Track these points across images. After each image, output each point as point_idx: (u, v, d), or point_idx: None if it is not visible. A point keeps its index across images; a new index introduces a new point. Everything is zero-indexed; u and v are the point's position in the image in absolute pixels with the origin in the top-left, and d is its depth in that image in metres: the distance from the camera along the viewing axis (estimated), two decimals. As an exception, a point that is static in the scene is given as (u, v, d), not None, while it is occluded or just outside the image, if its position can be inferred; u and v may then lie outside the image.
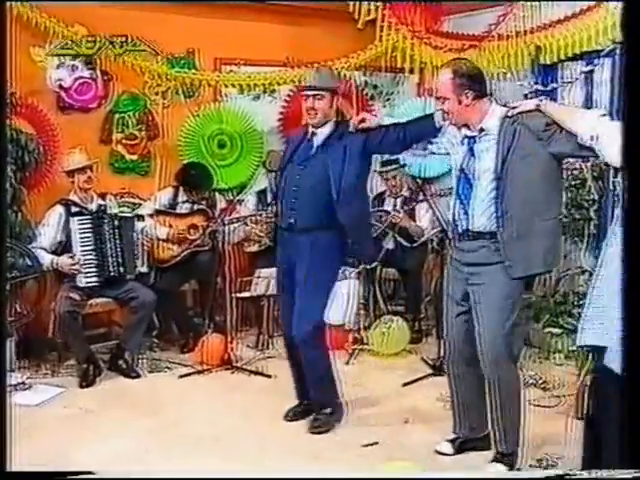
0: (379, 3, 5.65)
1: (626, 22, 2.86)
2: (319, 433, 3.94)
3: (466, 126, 3.41)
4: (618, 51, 5.03)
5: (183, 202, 5.54)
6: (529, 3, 5.24)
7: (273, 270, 4.35)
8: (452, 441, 3.69)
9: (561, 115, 3.25)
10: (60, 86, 5.42)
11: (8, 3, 3.93)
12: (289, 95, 6.24)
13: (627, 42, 2.86)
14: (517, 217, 3.27)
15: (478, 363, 3.44)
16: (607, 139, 3.02)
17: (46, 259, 4.82)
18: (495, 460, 3.48)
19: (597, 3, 4.84)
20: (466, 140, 3.42)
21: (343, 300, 5.30)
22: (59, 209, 4.91)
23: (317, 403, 4.05)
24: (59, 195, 5.00)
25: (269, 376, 4.81)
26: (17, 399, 4.32)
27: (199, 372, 4.91)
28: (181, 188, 5.55)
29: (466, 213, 3.40)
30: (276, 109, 6.28)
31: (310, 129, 3.91)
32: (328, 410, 4.02)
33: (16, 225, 4.89)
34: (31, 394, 4.52)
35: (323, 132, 3.87)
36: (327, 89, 3.84)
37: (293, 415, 4.12)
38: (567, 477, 2.35)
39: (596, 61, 5.37)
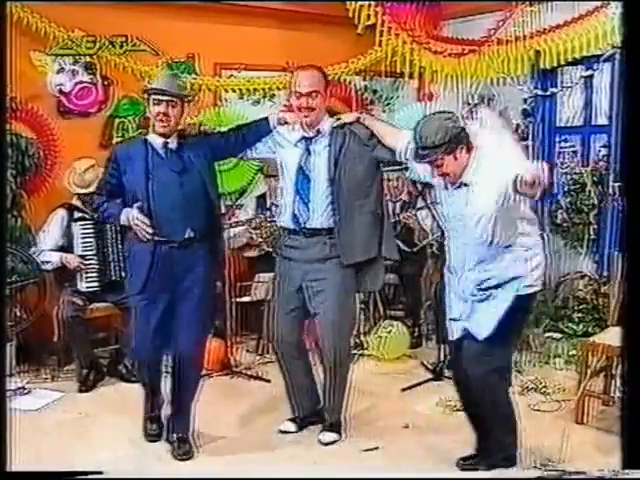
0: (379, 9, 5.66)
1: (625, 27, 2.88)
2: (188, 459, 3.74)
3: (303, 128, 3.76)
4: (617, 56, 5.04)
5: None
6: (529, 8, 5.25)
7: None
8: (293, 420, 4.06)
9: (379, 130, 3.74)
10: (60, 91, 5.41)
11: (8, 7, 3.93)
12: (289, 100, 6.24)
13: (626, 47, 2.87)
14: (345, 211, 3.70)
15: (307, 351, 4.01)
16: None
17: (54, 256, 4.83)
18: (324, 429, 3.92)
19: (596, 8, 4.85)
20: (303, 141, 3.78)
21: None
22: (61, 213, 4.91)
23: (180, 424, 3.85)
24: (59, 200, 5.00)
25: (269, 381, 4.80)
26: (17, 404, 4.33)
27: (199, 377, 4.90)
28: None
29: (307, 208, 3.74)
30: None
31: (158, 139, 3.64)
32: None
33: (16, 230, 4.89)
34: (31, 399, 4.52)
35: (173, 141, 3.66)
36: (180, 96, 3.66)
37: (156, 436, 3.92)
38: (566, 477, 2.36)
39: (596, 66, 5.40)
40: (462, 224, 3.25)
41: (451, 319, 3.45)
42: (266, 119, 3.89)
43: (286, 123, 3.85)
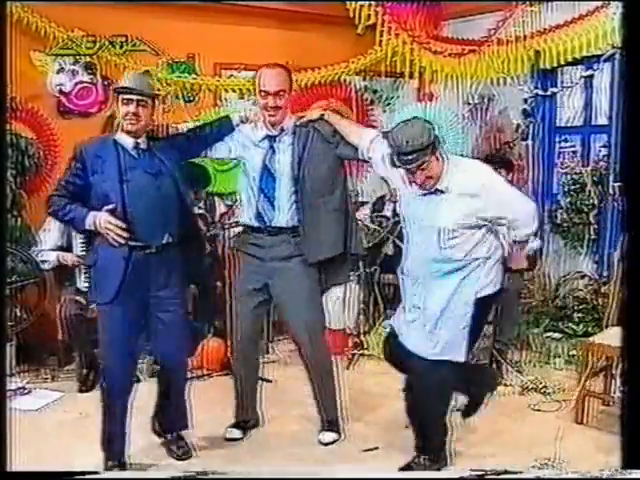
0: (379, 8, 5.66)
1: (625, 27, 2.88)
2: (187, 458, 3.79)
3: (267, 127, 3.75)
4: (617, 56, 5.05)
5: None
6: (529, 8, 5.25)
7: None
8: (237, 425, 4.01)
9: (343, 128, 3.74)
10: (60, 91, 5.41)
11: (8, 7, 3.92)
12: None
13: (626, 47, 2.87)
14: (310, 209, 3.71)
15: (259, 348, 4.14)
16: (379, 155, 3.44)
17: (52, 255, 4.82)
18: (324, 429, 3.92)
19: (596, 8, 4.85)
20: (267, 139, 3.76)
21: (342, 304, 5.31)
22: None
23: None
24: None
25: (269, 381, 4.79)
26: (17, 404, 4.33)
27: (198, 377, 4.91)
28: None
29: (272, 207, 3.73)
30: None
31: (128, 139, 3.46)
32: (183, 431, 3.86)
33: (16, 230, 4.89)
34: (31, 399, 4.52)
35: (144, 141, 3.50)
36: (151, 95, 3.50)
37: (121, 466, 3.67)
38: (566, 477, 2.36)
39: (596, 66, 5.40)
40: (425, 230, 3.27)
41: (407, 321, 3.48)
42: (228, 117, 3.85)
43: (248, 121, 3.82)
